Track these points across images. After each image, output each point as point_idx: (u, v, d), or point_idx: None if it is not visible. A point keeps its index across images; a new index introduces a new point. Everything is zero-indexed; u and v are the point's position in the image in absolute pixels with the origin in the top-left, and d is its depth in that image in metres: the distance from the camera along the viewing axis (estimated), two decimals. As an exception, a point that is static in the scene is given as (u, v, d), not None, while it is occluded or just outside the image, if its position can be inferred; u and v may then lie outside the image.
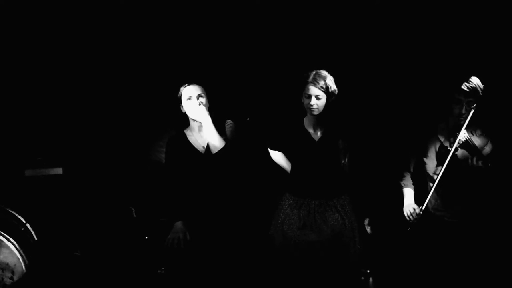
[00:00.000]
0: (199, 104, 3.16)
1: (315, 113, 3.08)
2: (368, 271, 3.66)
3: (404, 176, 3.37)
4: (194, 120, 3.24)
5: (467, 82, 3.04)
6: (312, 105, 3.04)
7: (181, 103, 3.23)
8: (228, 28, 4.09)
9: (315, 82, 3.02)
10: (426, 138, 3.26)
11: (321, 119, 3.14)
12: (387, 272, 3.67)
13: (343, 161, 3.19)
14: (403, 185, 3.36)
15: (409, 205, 3.27)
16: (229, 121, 3.36)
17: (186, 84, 3.24)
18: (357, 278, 3.45)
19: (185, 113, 3.26)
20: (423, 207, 3.18)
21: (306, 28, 4.08)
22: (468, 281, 3.13)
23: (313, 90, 3.03)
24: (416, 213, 3.19)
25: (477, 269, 3.13)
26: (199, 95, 3.19)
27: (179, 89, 3.25)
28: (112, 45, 4.11)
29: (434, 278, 3.20)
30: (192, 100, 3.19)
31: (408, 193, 3.33)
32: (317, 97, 3.03)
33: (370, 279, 3.69)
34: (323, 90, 3.03)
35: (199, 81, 3.26)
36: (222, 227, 3.21)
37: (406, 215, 3.26)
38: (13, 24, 3.98)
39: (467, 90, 3.02)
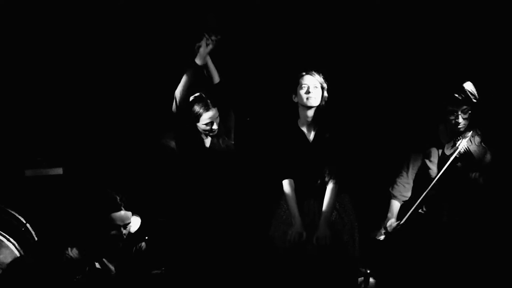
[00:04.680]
0: (214, 130, 3.23)
1: (312, 103, 3.09)
2: (368, 271, 3.66)
3: (396, 185, 3.25)
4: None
5: (458, 90, 2.95)
6: (309, 93, 3.07)
7: (195, 119, 3.21)
8: (226, 28, 4.08)
9: (310, 73, 3.11)
10: (427, 141, 3.22)
11: (315, 119, 3.15)
12: (387, 272, 3.67)
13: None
14: (392, 195, 3.26)
15: (388, 219, 3.21)
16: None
17: (206, 107, 3.19)
18: (357, 278, 3.45)
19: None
20: (402, 222, 3.12)
21: (305, 28, 4.07)
22: (465, 281, 3.13)
23: (309, 79, 3.10)
24: (393, 227, 3.16)
25: (475, 269, 3.12)
26: (217, 118, 3.23)
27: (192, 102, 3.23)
28: (112, 45, 4.11)
29: (433, 278, 3.20)
30: (210, 125, 3.22)
31: (394, 207, 3.24)
32: (314, 87, 3.08)
33: (371, 279, 3.69)
34: (318, 81, 3.09)
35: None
36: (222, 226, 3.22)
37: (384, 227, 3.20)
38: (13, 24, 3.98)
39: (460, 99, 2.95)
